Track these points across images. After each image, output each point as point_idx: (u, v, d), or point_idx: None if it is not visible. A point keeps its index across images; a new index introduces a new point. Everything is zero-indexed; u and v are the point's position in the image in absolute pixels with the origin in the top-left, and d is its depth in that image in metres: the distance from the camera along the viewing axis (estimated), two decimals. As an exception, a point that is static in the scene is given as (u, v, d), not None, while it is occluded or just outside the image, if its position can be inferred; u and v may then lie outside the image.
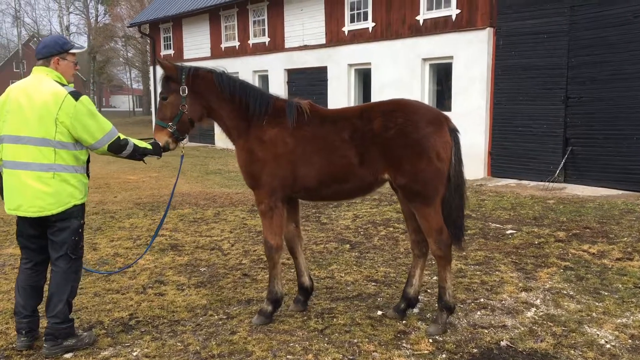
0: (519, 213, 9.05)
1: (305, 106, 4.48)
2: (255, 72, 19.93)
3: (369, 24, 15.42)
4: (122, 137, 4.19)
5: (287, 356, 4.08)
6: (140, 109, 59.08)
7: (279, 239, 4.57)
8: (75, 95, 3.93)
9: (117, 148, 4.15)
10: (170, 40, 24.63)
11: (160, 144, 4.47)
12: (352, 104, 15.69)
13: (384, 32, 15.09)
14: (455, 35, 13.39)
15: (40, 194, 3.91)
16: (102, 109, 59.09)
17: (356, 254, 6.84)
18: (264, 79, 19.76)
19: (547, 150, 12.09)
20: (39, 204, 3.92)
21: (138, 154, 4.31)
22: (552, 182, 11.71)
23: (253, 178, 4.49)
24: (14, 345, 4.23)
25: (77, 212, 4.08)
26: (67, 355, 4.08)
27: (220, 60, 21.12)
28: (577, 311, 4.93)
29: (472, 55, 13.04)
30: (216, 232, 7.91)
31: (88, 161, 4.21)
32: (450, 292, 4.54)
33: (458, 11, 13.28)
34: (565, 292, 5.40)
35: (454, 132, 4.39)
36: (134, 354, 4.13)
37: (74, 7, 57.51)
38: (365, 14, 15.59)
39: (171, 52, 24.45)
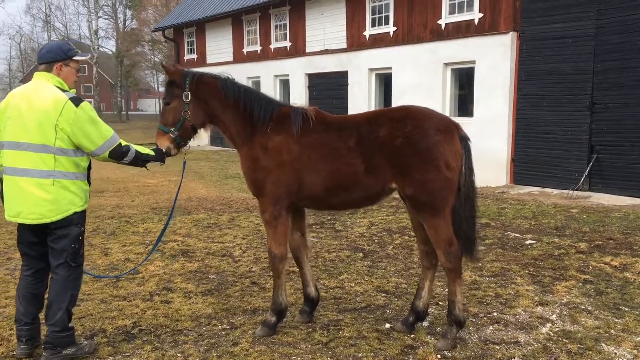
0: (540, 222, 8.80)
1: (311, 113, 4.35)
2: (276, 76, 19.92)
3: (390, 28, 15.27)
4: (124, 143, 4.12)
5: (288, 370, 3.97)
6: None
7: (283, 249, 4.46)
8: (76, 101, 3.88)
9: (118, 155, 4.08)
10: (193, 45, 24.78)
11: (162, 149, 4.40)
12: (372, 109, 15.53)
13: (406, 36, 14.92)
14: (478, 40, 13.16)
15: (40, 200, 3.86)
16: (130, 112, 59.88)
17: (368, 262, 6.69)
18: (285, 83, 19.73)
19: (571, 158, 11.80)
20: (38, 211, 3.87)
21: (140, 161, 4.24)
22: (576, 190, 11.40)
23: (257, 186, 4.39)
24: (14, 353, 4.19)
25: (77, 219, 4.03)
26: (66, 364, 4.03)
27: (242, 64, 21.18)
28: (595, 328, 4.71)
29: (495, 59, 12.79)
30: (229, 239, 7.84)
31: (89, 168, 4.15)
32: (460, 306, 4.37)
33: (481, 15, 13.05)
34: (583, 307, 5.18)
35: (464, 140, 4.23)
36: (133, 364, 4.06)
37: (103, 12, 58.58)
38: (387, 17, 15.44)
39: (194, 56, 24.60)
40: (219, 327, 4.74)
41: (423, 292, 4.63)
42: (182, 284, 5.90)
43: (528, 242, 7.57)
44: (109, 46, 60.78)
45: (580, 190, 11.40)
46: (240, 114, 4.41)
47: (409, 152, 4.08)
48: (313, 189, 4.30)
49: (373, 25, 15.92)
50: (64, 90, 3.96)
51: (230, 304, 5.30)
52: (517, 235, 7.99)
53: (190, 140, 4.53)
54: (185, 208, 10.12)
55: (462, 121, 13.56)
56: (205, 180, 14.04)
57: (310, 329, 4.68)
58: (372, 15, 15.92)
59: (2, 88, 77.63)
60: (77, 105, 3.86)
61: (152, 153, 4.31)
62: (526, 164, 12.64)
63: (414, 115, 4.21)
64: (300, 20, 18.37)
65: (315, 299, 4.83)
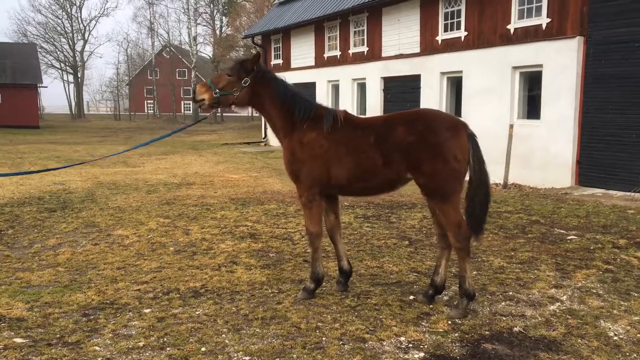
0: (591, 221, 9.15)
1: (340, 114, 5.24)
2: (354, 80, 20.85)
3: (462, 33, 15.77)
4: None
5: (318, 323, 4.87)
6: (258, 114, 62.09)
7: (318, 227, 5.37)
8: None
9: None
10: (279, 51, 26.25)
11: (198, 97, 5.26)
12: (444, 111, 16.01)
13: (476, 41, 15.38)
14: (545, 44, 13.44)
15: None
16: (225, 114, 62.90)
17: (411, 249, 7.46)
18: (362, 86, 20.62)
19: (636, 161, 11.86)
20: None
21: None
22: (638, 192, 11.48)
23: (294, 174, 5.32)
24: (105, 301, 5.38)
25: None
26: (146, 310, 5.16)
27: (323, 68, 22.32)
28: (599, 308, 5.26)
29: (562, 63, 13.04)
30: (292, 225, 8.85)
31: None
32: (469, 280, 5.09)
33: (549, 20, 13.32)
34: (594, 291, 5.72)
35: (471, 137, 4.97)
36: (197, 312, 5.13)
37: (202, 19, 62.01)
38: (459, 23, 15.96)
39: (280, 61, 26.05)
40: (269, 291, 5.74)
41: (440, 269, 5.39)
42: (246, 259, 6.96)
43: (570, 237, 8.02)
44: (207, 51, 64.19)
45: (645, 193, 11.47)
46: (284, 111, 5.34)
47: (422, 147, 4.87)
48: (339, 179, 5.18)
49: (445, 30, 16.47)
50: None
51: (283, 275, 6.28)
52: (562, 231, 8.44)
53: (219, 108, 5.48)
54: (259, 200, 11.28)
55: (529, 124, 14.01)
56: (282, 177, 15.18)
57: (344, 296, 5.57)
58: (444, 20, 16.47)
59: (111, 90, 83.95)
60: None
61: None
62: (591, 167, 12.78)
63: (426, 117, 5.02)
64: (377, 26, 19.20)
65: (348, 271, 5.71)
